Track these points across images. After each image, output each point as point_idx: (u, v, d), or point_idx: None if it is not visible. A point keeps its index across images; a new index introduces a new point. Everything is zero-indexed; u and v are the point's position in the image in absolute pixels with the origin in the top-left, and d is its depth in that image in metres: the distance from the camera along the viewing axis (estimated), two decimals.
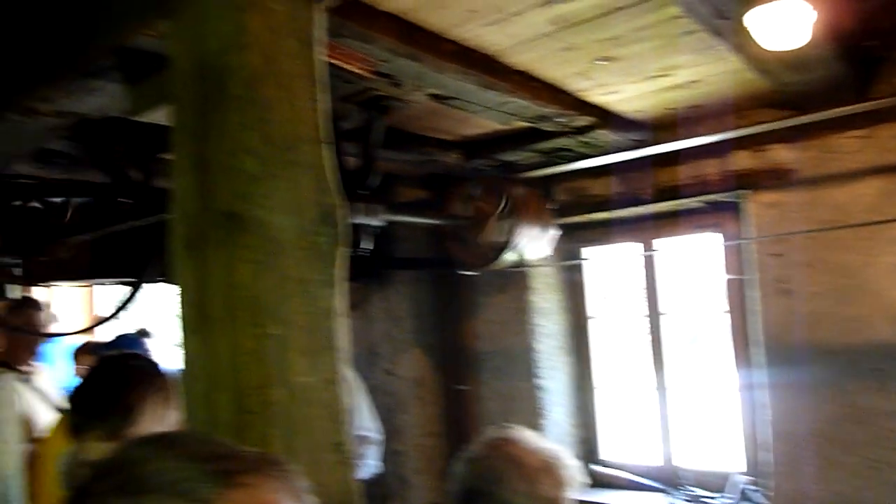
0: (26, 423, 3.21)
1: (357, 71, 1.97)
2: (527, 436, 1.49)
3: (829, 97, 2.51)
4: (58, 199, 2.74)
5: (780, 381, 2.81)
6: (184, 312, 1.01)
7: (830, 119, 2.62)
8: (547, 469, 1.38)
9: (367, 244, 2.44)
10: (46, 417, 3.57)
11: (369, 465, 3.03)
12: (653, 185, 3.19)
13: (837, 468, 2.66)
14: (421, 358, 3.75)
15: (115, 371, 1.75)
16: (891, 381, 2.56)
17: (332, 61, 1.94)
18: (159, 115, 1.46)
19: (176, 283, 1.02)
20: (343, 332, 0.97)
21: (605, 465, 3.56)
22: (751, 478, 3.03)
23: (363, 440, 2.96)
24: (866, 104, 2.48)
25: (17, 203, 2.68)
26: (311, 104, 0.98)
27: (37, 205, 2.70)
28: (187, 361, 1.00)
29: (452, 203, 2.88)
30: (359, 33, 1.79)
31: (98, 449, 1.54)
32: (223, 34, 0.95)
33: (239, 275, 0.90)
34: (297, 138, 0.96)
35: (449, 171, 3.34)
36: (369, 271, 3.06)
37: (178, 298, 1.03)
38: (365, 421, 3.00)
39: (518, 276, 3.50)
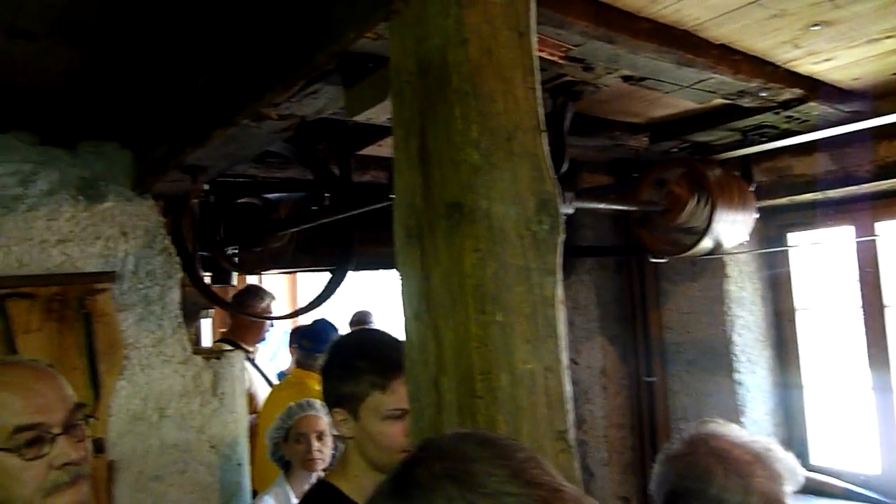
0: (250, 398, 3.60)
1: (548, 57, 1.96)
2: (731, 429, 1.40)
3: None
4: (272, 196, 3.02)
5: None
6: (407, 299, 1.06)
7: None
8: (759, 461, 1.28)
9: None
10: (264, 393, 3.99)
11: None
12: (871, 161, 2.85)
13: None
14: (605, 347, 3.67)
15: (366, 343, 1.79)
16: None
17: None
18: (369, 114, 1.55)
19: (398, 271, 1.08)
20: (563, 319, 0.97)
21: (815, 470, 3.26)
22: None
23: None
24: None
25: (239, 200, 2.99)
26: (528, 93, 0.99)
27: (254, 201, 3.00)
28: (410, 346, 1.06)
29: (643, 188, 2.78)
30: (553, 18, 1.77)
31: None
32: (444, 31, 0.98)
33: (464, 263, 0.93)
34: (517, 128, 0.97)
35: (635, 156, 3.22)
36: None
37: (401, 286, 1.08)
38: None
39: (711, 263, 3.30)
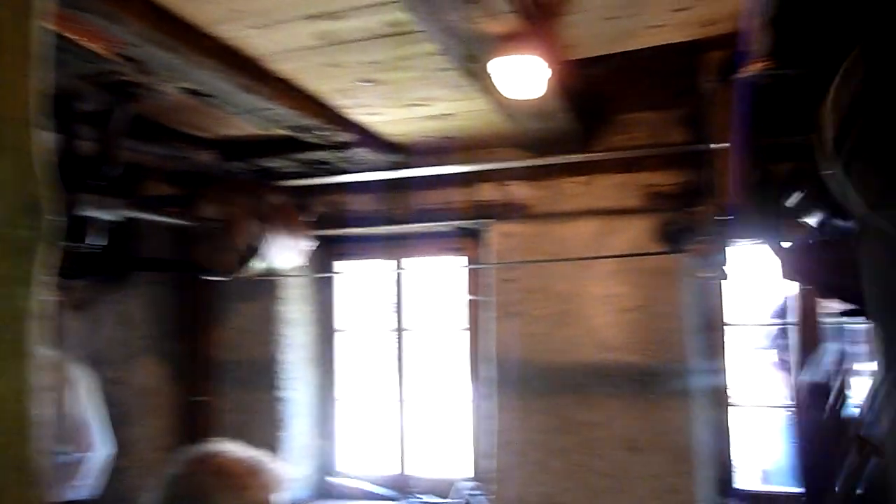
0: None
1: (99, 51, 1.80)
2: (230, 446, 1.47)
3: (561, 146, 2.86)
4: None
5: (507, 395, 3.10)
6: None
7: (560, 164, 2.98)
8: (253, 474, 1.37)
9: (98, 240, 2.22)
10: None
11: (87, 484, 2.71)
12: (407, 206, 3.35)
13: (547, 472, 3.00)
14: (156, 366, 3.48)
15: None
16: (590, 396, 2.96)
17: (70, 36, 1.75)
18: None
19: None
20: (41, 336, 0.87)
21: (340, 476, 3.61)
22: (475, 483, 3.28)
23: (82, 458, 2.64)
24: (586, 155, 2.88)
25: None
26: (20, 80, 0.87)
27: None
28: None
29: (203, 204, 2.74)
30: (104, 11, 1.64)
31: None
32: None
33: None
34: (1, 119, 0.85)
35: (204, 170, 3.18)
36: (100, 269, 2.77)
37: None
38: (91, 435, 2.68)
39: (267, 285, 3.43)
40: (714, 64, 2.11)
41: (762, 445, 3.76)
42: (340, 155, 2.95)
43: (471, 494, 3.24)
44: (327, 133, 2.72)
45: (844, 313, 2.54)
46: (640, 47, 2.15)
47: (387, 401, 3.60)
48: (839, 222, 1.92)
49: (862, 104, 1.27)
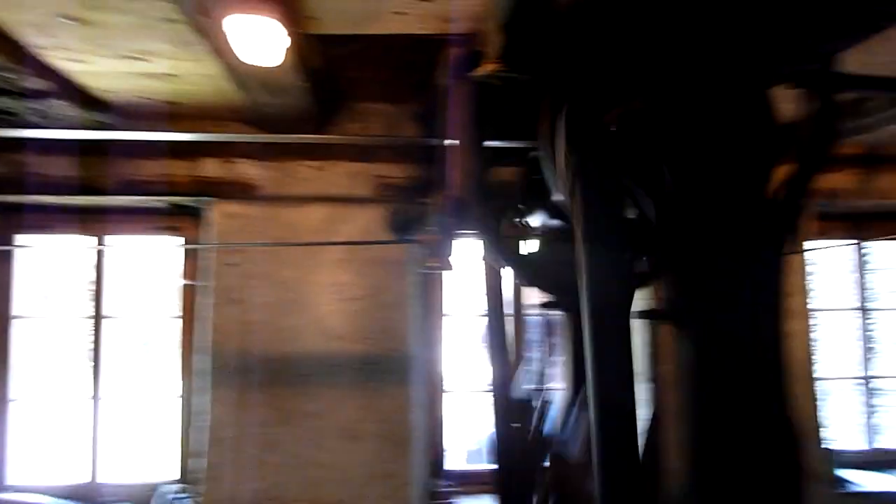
0: None
1: None
2: None
3: (294, 125, 2.73)
4: None
5: (222, 388, 2.87)
6: None
7: (293, 145, 2.86)
8: None
9: None
10: None
11: None
12: (113, 174, 2.92)
13: (264, 467, 2.85)
14: None
15: None
16: (313, 386, 2.89)
17: None
18: None
19: None
20: None
21: (11, 490, 3.03)
22: (181, 485, 2.99)
23: None
24: (320, 137, 2.80)
25: None
26: None
27: None
28: None
29: None
30: None
31: None
32: None
33: None
34: None
35: None
36: None
37: None
38: None
39: None
40: (453, 61, 2.17)
41: (470, 428, 4.06)
42: (31, 105, 2.47)
43: (175, 498, 2.94)
44: (13, 76, 2.24)
45: (545, 305, 2.84)
46: (383, 32, 2.13)
47: (78, 399, 3.10)
48: (557, 224, 2.12)
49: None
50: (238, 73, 2.19)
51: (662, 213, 1.51)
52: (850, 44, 1.80)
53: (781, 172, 1.60)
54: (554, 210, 2.08)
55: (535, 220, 2.22)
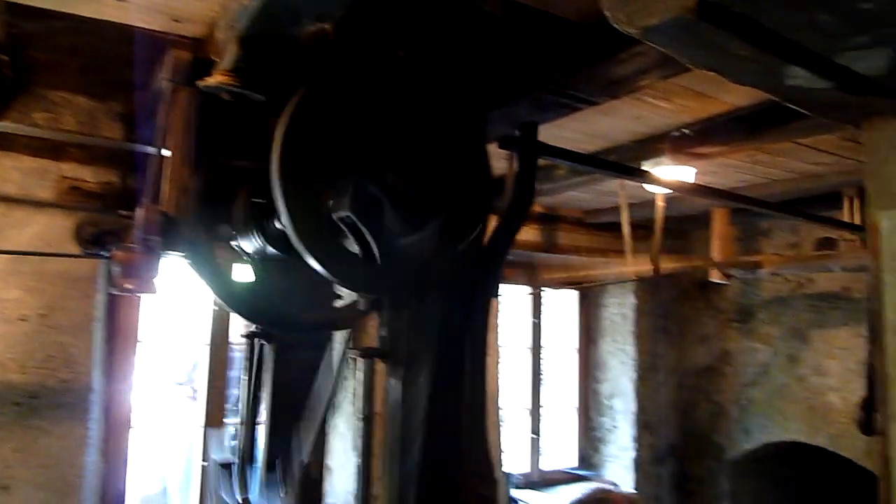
0: None
1: None
2: None
3: None
4: None
5: None
6: None
7: None
8: None
9: None
10: None
11: None
12: None
13: None
14: None
15: None
16: None
17: None
18: None
19: None
20: None
21: None
22: None
23: None
24: None
25: None
26: None
27: None
28: None
29: None
30: None
31: None
32: None
33: None
34: None
35: None
36: None
37: None
38: None
39: None
40: (177, 64, 1.97)
41: (152, 468, 3.64)
42: None
43: None
44: None
45: (250, 336, 2.69)
46: (96, 17, 1.84)
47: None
48: (272, 250, 2.02)
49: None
50: None
51: (385, 254, 1.53)
52: (546, 119, 2.08)
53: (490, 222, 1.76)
54: (274, 237, 1.98)
55: (250, 244, 2.09)
